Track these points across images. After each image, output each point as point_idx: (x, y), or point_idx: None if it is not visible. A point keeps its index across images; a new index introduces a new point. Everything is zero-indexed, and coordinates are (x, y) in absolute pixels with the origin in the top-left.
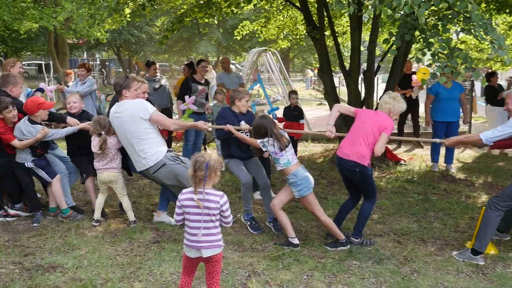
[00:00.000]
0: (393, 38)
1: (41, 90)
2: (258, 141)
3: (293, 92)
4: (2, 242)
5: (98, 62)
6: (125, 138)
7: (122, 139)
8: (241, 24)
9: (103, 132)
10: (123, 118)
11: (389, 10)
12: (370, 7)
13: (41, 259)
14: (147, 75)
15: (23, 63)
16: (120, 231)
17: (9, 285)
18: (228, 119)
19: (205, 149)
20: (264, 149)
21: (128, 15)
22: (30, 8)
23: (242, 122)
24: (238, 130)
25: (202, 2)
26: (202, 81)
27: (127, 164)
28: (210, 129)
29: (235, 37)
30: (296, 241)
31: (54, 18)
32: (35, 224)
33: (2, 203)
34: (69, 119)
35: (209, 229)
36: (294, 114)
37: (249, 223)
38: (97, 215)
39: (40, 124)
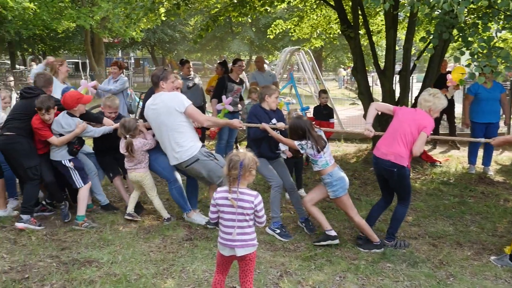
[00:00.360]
0: (431, 37)
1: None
2: (296, 143)
3: (323, 91)
4: (40, 236)
5: (133, 61)
6: (160, 130)
7: (156, 132)
8: (274, 23)
9: (127, 136)
10: (158, 111)
11: (427, 8)
12: (407, 5)
13: (77, 254)
14: (181, 73)
15: None
16: (154, 228)
17: (46, 278)
18: (260, 117)
19: (236, 147)
20: (302, 151)
21: (163, 15)
22: (68, 8)
23: (274, 120)
24: (273, 129)
25: (236, 1)
26: (237, 80)
27: None
28: (244, 127)
29: (268, 36)
30: (333, 232)
31: (91, 17)
32: (65, 220)
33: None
34: (105, 120)
35: (243, 228)
36: (324, 113)
37: (278, 231)
38: (130, 208)
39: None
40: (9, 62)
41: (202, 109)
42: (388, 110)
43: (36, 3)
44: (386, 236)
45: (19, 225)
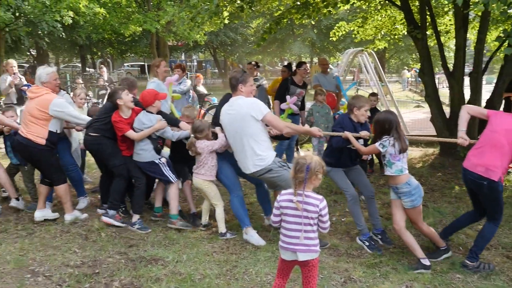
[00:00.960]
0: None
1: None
2: (377, 144)
3: (372, 94)
4: (110, 233)
5: (195, 63)
6: (234, 137)
7: (230, 138)
8: (337, 25)
9: (192, 135)
10: (234, 116)
11: (502, 6)
12: (480, 2)
13: (144, 251)
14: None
15: (126, 64)
16: (217, 229)
17: (115, 273)
18: (346, 128)
19: (297, 149)
20: (382, 150)
21: (226, 18)
22: (135, 13)
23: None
24: (357, 138)
25: (299, 3)
26: (301, 84)
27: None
28: (323, 136)
29: (330, 38)
30: (427, 262)
31: (156, 21)
32: (143, 232)
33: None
34: (183, 124)
35: (307, 232)
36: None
37: (367, 243)
38: (204, 219)
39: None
40: (80, 65)
41: None
42: (481, 114)
43: (106, 9)
44: (468, 255)
45: (104, 219)
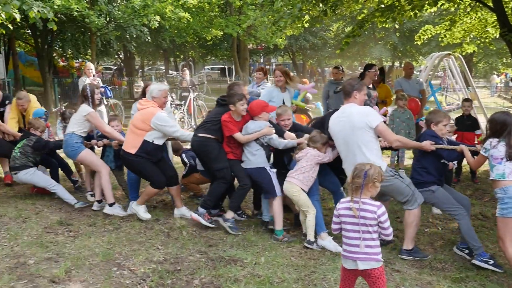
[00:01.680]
0: None
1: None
2: (482, 151)
3: (466, 100)
4: (191, 231)
5: (274, 67)
6: (345, 145)
7: (340, 146)
8: (423, 28)
9: (305, 141)
10: (345, 124)
11: None
12: None
13: (223, 251)
14: (331, 78)
15: (207, 67)
16: (295, 233)
17: (196, 272)
18: (440, 141)
19: None
20: (485, 154)
21: (307, 22)
22: (217, 17)
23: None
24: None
25: (383, 5)
26: (370, 86)
27: None
28: (433, 148)
29: (415, 42)
30: None
31: (238, 25)
32: (232, 233)
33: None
34: (288, 134)
35: (366, 240)
36: (467, 123)
37: (491, 261)
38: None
39: None
40: (163, 67)
41: None
42: None
43: (189, 13)
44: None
45: (193, 215)
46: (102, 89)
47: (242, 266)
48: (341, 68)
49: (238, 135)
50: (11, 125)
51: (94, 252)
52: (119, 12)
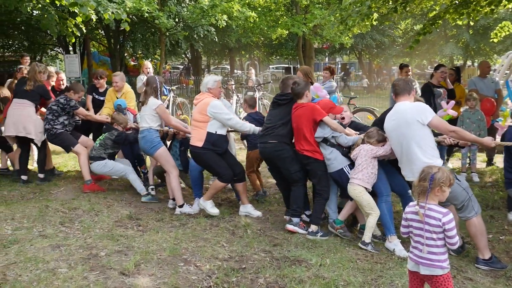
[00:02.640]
0: None
1: None
2: None
3: None
4: (255, 230)
5: (339, 66)
6: (399, 143)
7: (394, 145)
8: (499, 25)
9: (361, 137)
10: (398, 121)
11: None
12: None
13: (287, 251)
14: (398, 76)
15: (272, 66)
16: (361, 235)
17: (261, 270)
18: None
19: (447, 160)
20: None
21: (376, 20)
22: (283, 16)
23: None
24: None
25: (457, 2)
26: (437, 85)
27: None
28: (493, 145)
29: (490, 40)
30: None
31: (304, 24)
32: (323, 239)
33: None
34: (349, 131)
35: (430, 246)
36: None
37: None
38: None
39: None
40: (228, 67)
41: None
42: None
43: (256, 12)
44: None
45: (289, 227)
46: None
47: (307, 267)
48: (402, 65)
49: (327, 120)
50: (104, 112)
51: (162, 247)
52: (188, 13)
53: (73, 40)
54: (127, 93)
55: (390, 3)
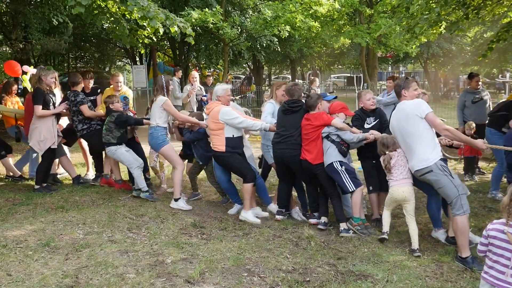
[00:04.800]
0: None
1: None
2: None
3: None
4: (319, 242)
5: (403, 75)
6: (402, 138)
7: (400, 141)
8: None
9: (387, 152)
10: (400, 118)
11: None
12: None
13: (352, 265)
14: (468, 87)
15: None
16: (428, 251)
17: (325, 284)
18: None
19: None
20: None
21: (444, 29)
22: (346, 25)
23: None
24: None
25: None
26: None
27: None
28: (485, 147)
29: None
30: None
31: (368, 34)
32: (343, 234)
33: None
34: (354, 129)
35: None
36: None
37: None
38: (385, 228)
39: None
40: (289, 76)
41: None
42: None
43: (318, 22)
44: None
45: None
46: (205, 98)
47: (373, 283)
48: (472, 74)
49: (336, 121)
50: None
51: (226, 256)
52: (251, 23)
53: (143, 51)
54: (126, 93)
55: (461, 9)
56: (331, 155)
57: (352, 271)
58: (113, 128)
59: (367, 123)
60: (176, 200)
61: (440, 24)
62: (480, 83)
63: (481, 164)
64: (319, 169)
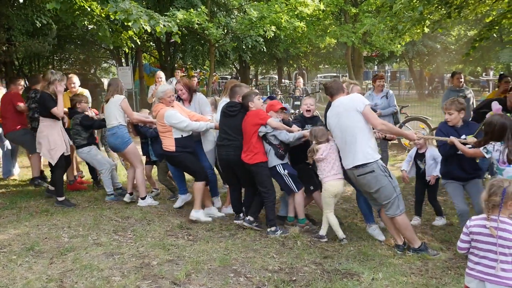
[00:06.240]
0: None
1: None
2: (481, 148)
3: None
4: (305, 242)
5: (389, 74)
6: (342, 136)
7: (338, 138)
8: None
9: (313, 142)
10: (339, 114)
11: None
12: None
13: (338, 264)
14: (451, 85)
15: (319, 75)
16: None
17: (311, 283)
18: (448, 134)
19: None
20: (487, 156)
21: (428, 27)
22: (332, 25)
23: (463, 136)
24: (464, 144)
25: None
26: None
27: None
28: (420, 141)
29: None
30: None
31: (353, 33)
32: (270, 235)
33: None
34: (294, 127)
35: (502, 263)
36: None
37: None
38: (340, 234)
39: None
40: (276, 76)
41: None
42: None
43: (304, 22)
44: None
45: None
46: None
47: (359, 281)
48: (454, 72)
49: (271, 120)
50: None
51: (212, 257)
52: (237, 24)
53: (127, 51)
54: (82, 94)
55: (444, 8)
56: (273, 159)
57: (338, 269)
58: (80, 130)
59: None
60: (143, 198)
61: (423, 23)
62: (462, 81)
63: None
64: (255, 169)
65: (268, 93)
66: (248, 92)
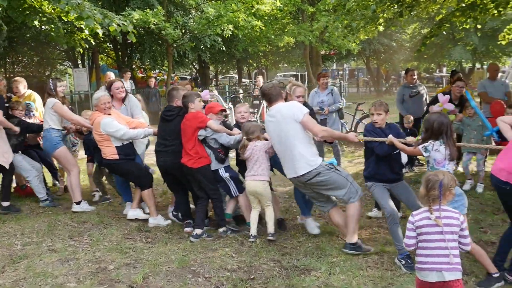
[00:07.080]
0: None
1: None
2: (420, 146)
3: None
4: (264, 240)
5: (347, 72)
6: (281, 142)
7: (276, 144)
8: (508, 27)
9: (244, 137)
10: (277, 120)
11: None
12: None
13: (296, 260)
14: (405, 81)
15: (279, 74)
16: (371, 242)
17: (269, 281)
18: (376, 135)
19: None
20: (425, 154)
21: (382, 25)
22: (290, 24)
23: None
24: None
25: (464, 4)
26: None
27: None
28: (361, 142)
29: (499, 42)
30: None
31: (310, 32)
32: (222, 235)
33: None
34: (235, 130)
35: (453, 249)
36: None
37: (403, 262)
38: (253, 230)
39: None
40: (236, 76)
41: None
42: None
43: (262, 22)
44: (510, 268)
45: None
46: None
47: (317, 276)
48: (408, 69)
49: (211, 123)
50: None
51: (170, 259)
52: (194, 24)
53: (82, 51)
54: (31, 96)
55: (396, 7)
56: (214, 163)
57: (296, 266)
58: (11, 135)
59: None
60: (78, 203)
61: (377, 21)
62: (415, 77)
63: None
64: (202, 172)
65: (227, 92)
66: (190, 93)
